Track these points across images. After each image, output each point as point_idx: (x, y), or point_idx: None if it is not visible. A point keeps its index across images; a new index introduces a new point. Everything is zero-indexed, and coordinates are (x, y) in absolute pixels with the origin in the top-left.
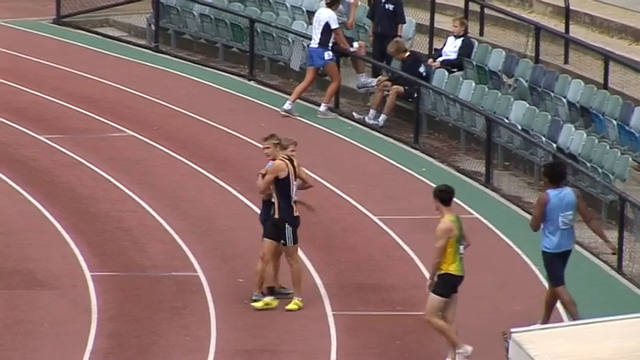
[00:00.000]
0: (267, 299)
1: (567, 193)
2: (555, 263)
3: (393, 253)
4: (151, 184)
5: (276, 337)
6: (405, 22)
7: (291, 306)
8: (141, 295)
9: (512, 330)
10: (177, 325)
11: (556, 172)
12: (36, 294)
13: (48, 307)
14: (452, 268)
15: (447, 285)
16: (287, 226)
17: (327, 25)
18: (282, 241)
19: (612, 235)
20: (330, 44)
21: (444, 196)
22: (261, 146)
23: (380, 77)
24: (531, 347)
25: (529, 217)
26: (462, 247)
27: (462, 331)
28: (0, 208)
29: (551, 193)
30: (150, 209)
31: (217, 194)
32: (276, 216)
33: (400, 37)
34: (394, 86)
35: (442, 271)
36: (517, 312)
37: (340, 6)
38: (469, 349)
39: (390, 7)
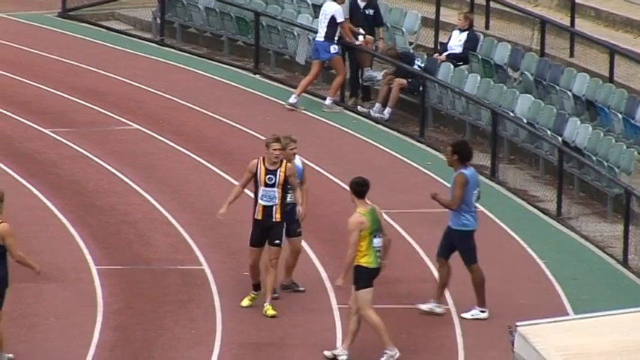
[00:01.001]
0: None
1: (474, 171)
2: (473, 241)
3: (398, 246)
4: (157, 177)
5: (281, 331)
6: (384, 25)
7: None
8: (146, 289)
9: (518, 323)
10: (182, 318)
11: (467, 151)
12: (41, 287)
13: (53, 300)
14: (363, 261)
15: (363, 277)
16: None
17: (333, 19)
18: (277, 242)
19: (618, 228)
20: (336, 38)
21: (358, 188)
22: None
23: (386, 71)
24: (537, 340)
25: (535, 210)
26: (377, 239)
27: (468, 325)
28: (5, 202)
29: (467, 172)
30: (155, 202)
31: (222, 187)
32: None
33: (382, 39)
34: (397, 79)
35: (355, 264)
36: (522, 305)
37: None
38: (397, 354)
39: (370, 11)
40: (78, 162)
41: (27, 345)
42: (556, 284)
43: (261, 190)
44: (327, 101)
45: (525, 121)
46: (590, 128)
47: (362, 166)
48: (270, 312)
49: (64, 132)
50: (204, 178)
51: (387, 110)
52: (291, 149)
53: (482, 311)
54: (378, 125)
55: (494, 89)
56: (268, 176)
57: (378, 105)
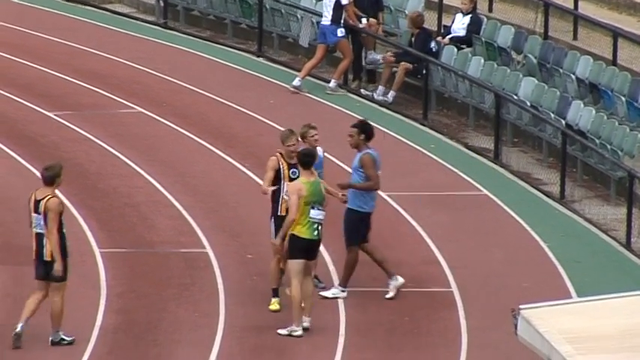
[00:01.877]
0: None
1: (377, 152)
2: (367, 224)
3: (401, 229)
4: (160, 160)
5: (284, 314)
6: (384, 9)
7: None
8: (149, 272)
9: (521, 306)
10: (185, 301)
11: (371, 130)
12: None
13: None
14: (297, 230)
15: (294, 247)
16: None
17: (337, 2)
18: None
19: (621, 211)
20: (342, 21)
21: (303, 159)
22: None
23: (388, 53)
24: (540, 323)
25: (538, 193)
26: (315, 211)
27: (471, 308)
28: (9, 184)
29: (373, 152)
30: (158, 185)
31: (226, 170)
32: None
33: (381, 24)
34: (402, 63)
35: (290, 232)
36: (526, 288)
37: None
38: (300, 332)
39: None
40: (81, 145)
41: (30, 327)
42: (559, 267)
43: (286, 185)
44: (332, 84)
45: (529, 104)
46: (594, 111)
47: None
48: (275, 307)
49: (67, 115)
50: (207, 161)
51: (391, 94)
52: (312, 137)
53: (342, 290)
54: (382, 108)
55: (498, 72)
56: (292, 170)
57: (381, 88)
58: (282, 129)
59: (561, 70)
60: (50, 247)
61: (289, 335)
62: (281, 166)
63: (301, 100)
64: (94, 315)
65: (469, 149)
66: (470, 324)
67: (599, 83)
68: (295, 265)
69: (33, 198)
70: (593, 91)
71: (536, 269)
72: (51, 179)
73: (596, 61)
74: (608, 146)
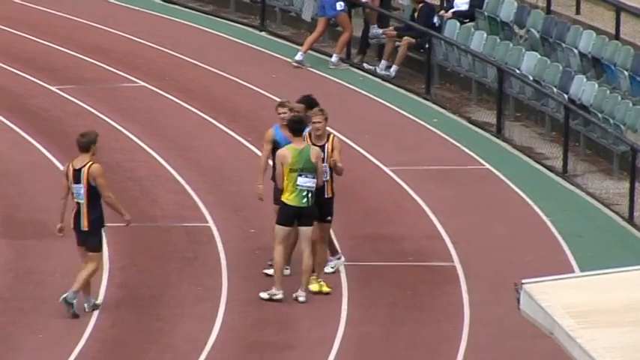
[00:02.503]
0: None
1: None
2: None
3: (403, 203)
4: (163, 134)
5: (287, 288)
6: None
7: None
8: (152, 246)
9: (524, 281)
10: (188, 275)
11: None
12: (47, 244)
13: (59, 257)
14: (285, 197)
15: (282, 213)
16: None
17: None
18: (330, 217)
19: (624, 186)
20: None
21: (292, 125)
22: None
23: (391, 28)
24: (542, 298)
25: (541, 168)
26: (303, 178)
27: (474, 282)
28: (11, 158)
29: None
30: (161, 159)
31: (229, 145)
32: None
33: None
34: (405, 37)
35: (280, 199)
36: (528, 263)
37: None
38: (280, 295)
39: None
40: (84, 119)
41: (32, 302)
42: (562, 241)
43: None
44: (334, 58)
45: (531, 78)
46: (597, 86)
47: (368, 123)
48: (325, 289)
49: (70, 89)
50: (210, 136)
51: (394, 68)
52: (279, 114)
53: (338, 258)
54: (385, 83)
55: (501, 46)
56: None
57: (384, 62)
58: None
59: (564, 45)
60: (87, 217)
61: (270, 299)
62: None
63: (304, 74)
64: (97, 289)
65: (472, 123)
66: (472, 298)
67: (602, 57)
68: (280, 230)
69: (71, 168)
70: (595, 66)
71: (539, 244)
72: (86, 146)
73: (599, 35)
74: (611, 120)
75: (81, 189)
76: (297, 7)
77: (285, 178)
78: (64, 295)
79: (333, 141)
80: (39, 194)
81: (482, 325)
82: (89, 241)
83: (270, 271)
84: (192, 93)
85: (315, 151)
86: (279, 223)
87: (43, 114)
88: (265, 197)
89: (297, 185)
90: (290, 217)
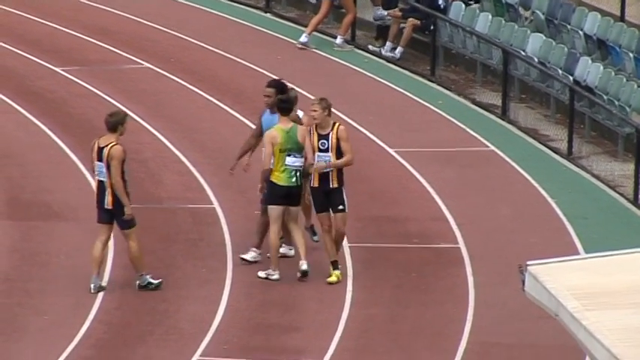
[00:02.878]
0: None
1: None
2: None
3: (409, 185)
4: (168, 116)
5: (292, 270)
6: None
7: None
8: (157, 227)
9: (529, 262)
10: (193, 256)
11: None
12: (52, 225)
13: (64, 238)
14: (275, 177)
15: (272, 193)
16: None
17: None
18: (341, 207)
19: (629, 167)
20: None
21: (280, 104)
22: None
23: (395, 10)
24: (547, 280)
25: (546, 149)
26: (291, 158)
27: (479, 264)
28: (16, 140)
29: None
30: (166, 141)
31: (234, 126)
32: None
33: None
34: (410, 19)
35: (269, 180)
36: (533, 244)
37: None
38: (277, 276)
39: None
40: (89, 100)
41: (38, 283)
42: (567, 223)
43: (316, 156)
44: (338, 40)
45: (536, 60)
46: (602, 67)
47: (373, 104)
48: (332, 279)
49: (75, 70)
50: (215, 117)
51: (399, 50)
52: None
53: (259, 253)
54: (389, 64)
55: (506, 28)
56: (321, 141)
57: (389, 44)
58: (289, 85)
59: (569, 26)
60: (112, 195)
61: (266, 278)
62: (312, 135)
63: (309, 55)
64: (102, 270)
65: (477, 105)
66: (477, 280)
67: (607, 39)
68: (272, 210)
69: (96, 145)
70: (601, 47)
71: (544, 225)
72: (113, 125)
73: (604, 17)
74: (616, 102)
75: (102, 167)
76: None
77: (275, 158)
78: (137, 283)
79: (337, 130)
80: (44, 175)
81: (487, 306)
82: (119, 221)
83: (248, 256)
84: (198, 75)
85: (301, 130)
86: (271, 203)
87: (48, 95)
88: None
89: (286, 165)
90: (281, 196)
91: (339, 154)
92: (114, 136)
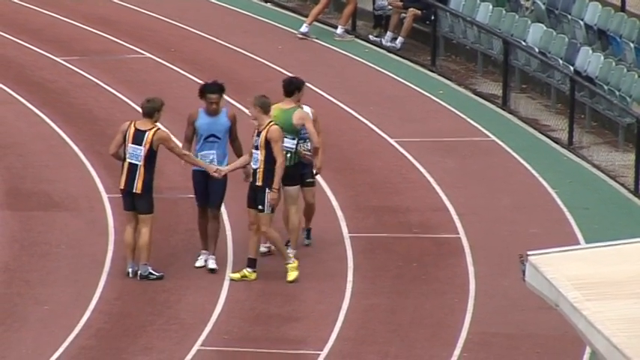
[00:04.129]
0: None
1: None
2: None
3: (409, 175)
4: (168, 106)
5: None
6: None
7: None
8: (158, 217)
9: (529, 253)
10: (193, 247)
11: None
12: (53, 215)
13: (65, 228)
14: None
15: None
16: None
17: None
18: (260, 207)
19: (629, 157)
20: None
21: (284, 86)
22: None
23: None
24: (548, 270)
25: (546, 139)
26: (285, 139)
27: (479, 254)
28: (17, 130)
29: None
30: (167, 131)
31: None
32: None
33: None
34: (411, 9)
35: None
36: (534, 234)
37: None
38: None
39: None
40: (90, 90)
41: (38, 273)
42: (567, 213)
43: (253, 152)
44: (339, 30)
45: (537, 50)
46: (602, 57)
47: (374, 95)
48: (235, 275)
49: (76, 60)
50: None
51: (400, 40)
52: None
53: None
54: (390, 54)
55: (506, 18)
56: (255, 138)
57: (389, 34)
58: (290, 75)
59: (570, 17)
60: (142, 180)
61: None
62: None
63: (309, 46)
64: (102, 261)
65: (477, 95)
66: (478, 270)
67: (608, 29)
68: (291, 191)
69: (132, 128)
70: (601, 38)
71: (544, 216)
72: (150, 111)
73: (605, 7)
74: (617, 92)
75: (140, 151)
76: None
77: None
78: (139, 273)
79: (268, 131)
80: (44, 165)
81: (488, 296)
82: (141, 204)
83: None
84: (198, 64)
85: (297, 113)
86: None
87: (49, 85)
88: None
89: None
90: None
91: (269, 153)
92: (150, 122)
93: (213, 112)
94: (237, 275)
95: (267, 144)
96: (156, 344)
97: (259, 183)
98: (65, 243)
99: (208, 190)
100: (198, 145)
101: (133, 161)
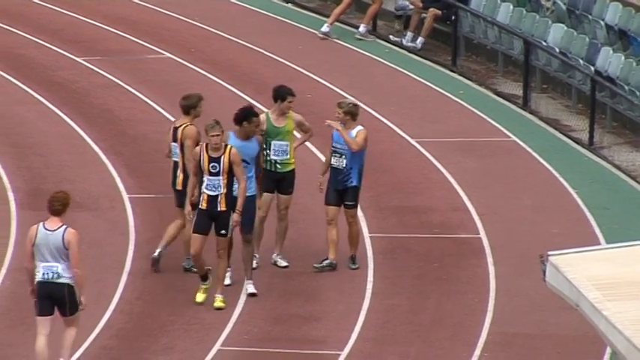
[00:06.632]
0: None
1: None
2: None
3: (430, 175)
4: None
5: (312, 259)
6: None
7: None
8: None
9: (550, 253)
10: (214, 247)
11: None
12: (74, 215)
13: (86, 228)
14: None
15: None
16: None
17: None
18: (223, 232)
19: None
20: None
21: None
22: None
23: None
24: (568, 270)
25: (567, 140)
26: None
27: (500, 254)
28: (38, 130)
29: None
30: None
31: None
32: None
33: None
34: (432, 9)
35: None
36: (554, 235)
37: None
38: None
39: None
40: (110, 90)
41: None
42: (588, 214)
43: (206, 178)
44: (361, 28)
45: (558, 50)
46: (623, 58)
47: (395, 95)
48: (219, 304)
49: (97, 60)
50: (236, 107)
51: (420, 40)
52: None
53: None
54: (411, 54)
55: (527, 18)
56: (212, 164)
57: (410, 34)
58: (310, 75)
59: (590, 17)
60: (183, 176)
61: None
62: (202, 157)
63: (330, 46)
64: (123, 260)
65: (498, 95)
66: (498, 271)
67: (629, 29)
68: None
69: (172, 126)
70: (622, 38)
71: (565, 216)
72: (186, 109)
73: (626, 7)
74: (638, 92)
75: (177, 148)
76: None
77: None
78: (182, 265)
79: (230, 154)
80: (65, 165)
81: (508, 297)
82: (179, 199)
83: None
84: (219, 65)
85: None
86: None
87: (69, 86)
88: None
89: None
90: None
91: (231, 177)
92: (187, 118)
93: (246, 137)
94: (203, 296)
95: (229, 167)
96: (177, 344)
97: (223, 207)
98: (86, 243)
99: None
100: None
101: (174, 159)
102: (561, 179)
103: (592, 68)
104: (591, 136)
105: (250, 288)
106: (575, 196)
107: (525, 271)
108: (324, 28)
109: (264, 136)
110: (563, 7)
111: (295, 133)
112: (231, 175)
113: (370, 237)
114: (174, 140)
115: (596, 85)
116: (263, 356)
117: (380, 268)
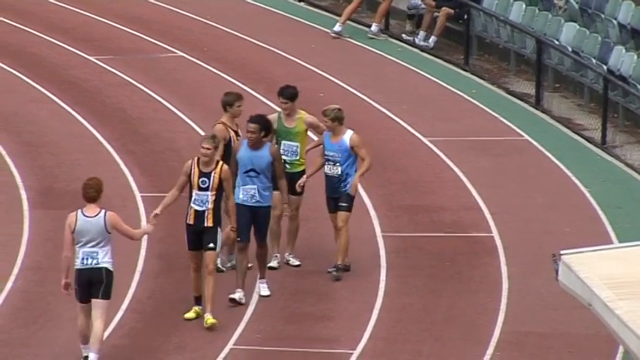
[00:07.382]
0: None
1: None
2: None
3: (442, 174)
4: (201, 105)
5: (323, 259)
6: None
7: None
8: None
9: (562, 252)
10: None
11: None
12: None
13: None
14: None
15: None
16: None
17: None
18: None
19: None
20: None
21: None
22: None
23: None
24: (581, 269)
25: (579, 138)
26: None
27: (513, 253)
28: (50, 129)
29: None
30: (200, 130)
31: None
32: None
33: None
34: (444, 8)
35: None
36: (567, 233)
37: None
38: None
39: None
40: (123, 89)
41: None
42: (600, 212)
43: (195, 194)
44: (373, 27)
45: (570, 49)
46: (635, 56)
47: (407, 94)
48: (210, 321)
49: (109, 59)
50: (249, 106)
51: (432, 39)
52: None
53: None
54: (423, 53)
55: (539, 17)
56: (202, 179)
57: (422, 33)
58: (323, 74)
59: (603, 16)
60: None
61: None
62: (192, 172)
63: (342, 45)
64: (135, 260)
65: (510, 94)
66: (511, 269)
67: None
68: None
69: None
70: (634, 37)
71: (577, 215)
72: (223, 105)
73: (638, 6)
74: None
75: None
76: None
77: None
78: (228, 265)
79: (221, 170)
80: (77, 164)
81: (521, 296)
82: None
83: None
84: (231, 63)
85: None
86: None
87: (82, 84)
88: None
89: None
90: None
91: (219, 193)
92: (225, 116)
93: (252, 145)
94: (191, 314)
95: (219, 184)
96: (189, 343)
97: (209, 224)
98: None
99: (255, 223)
100: (238, 179)
101: None
102: (574, 178)
103: (604, 67)
104: (604, 135)
105: (263, 290)
106: (587, 194)
107: (538, 270)
108: (337, 27)
109: (275, 136)
110: (576, 6)
111: (311, 135)
112: (220, 191)
113: (383, 236)
114: None
115: (608, 84)
116: (275, 355)
117: (392, 267)
